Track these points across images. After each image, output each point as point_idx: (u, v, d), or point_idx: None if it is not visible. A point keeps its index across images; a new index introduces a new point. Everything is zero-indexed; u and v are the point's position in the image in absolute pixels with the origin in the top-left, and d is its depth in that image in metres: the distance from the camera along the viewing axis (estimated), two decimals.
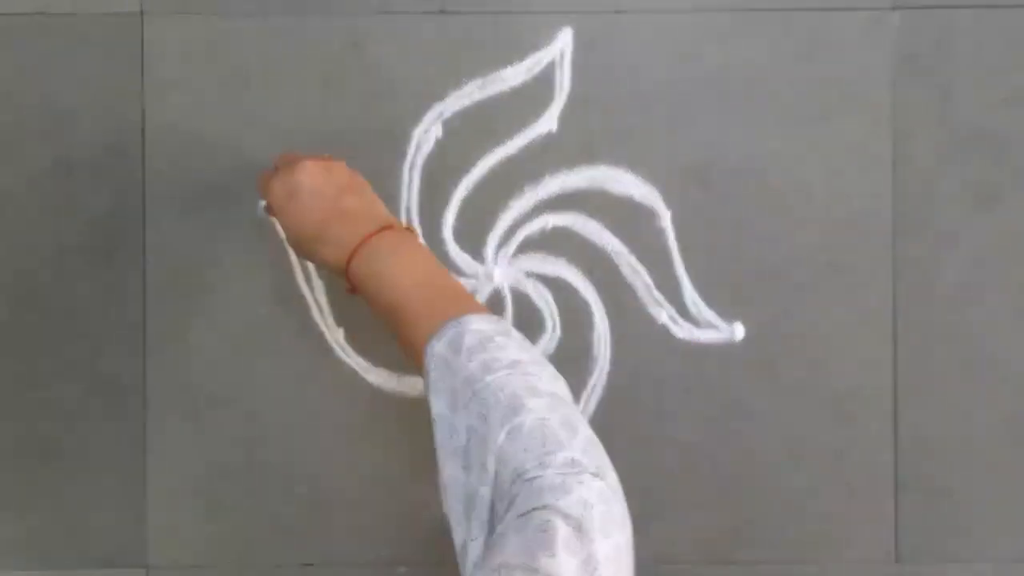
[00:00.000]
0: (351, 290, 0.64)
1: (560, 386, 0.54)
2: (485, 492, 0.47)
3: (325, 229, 0.62)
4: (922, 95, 0.77)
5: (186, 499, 0.77)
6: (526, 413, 0.48)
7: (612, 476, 0.49)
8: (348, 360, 0.77)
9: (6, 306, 0.77)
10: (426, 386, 0.55)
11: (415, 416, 0.77)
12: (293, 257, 0.77)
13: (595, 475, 0.47)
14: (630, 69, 0.77)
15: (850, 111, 0.77)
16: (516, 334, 0.57)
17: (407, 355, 0.60)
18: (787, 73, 0.77)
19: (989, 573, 0.78)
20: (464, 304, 0.58)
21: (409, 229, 0.65)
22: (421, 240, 0.75)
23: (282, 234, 0.76)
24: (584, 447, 0.48)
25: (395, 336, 0.61)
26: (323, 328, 0.77)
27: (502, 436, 0.47)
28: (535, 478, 0.45)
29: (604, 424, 0.77)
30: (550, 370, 0.54)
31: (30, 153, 0.77)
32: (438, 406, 0.53)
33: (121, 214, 0.77)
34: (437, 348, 0.54)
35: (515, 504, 0.45)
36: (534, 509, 0.45)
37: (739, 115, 0.77)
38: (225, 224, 0.77)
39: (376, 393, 0.77)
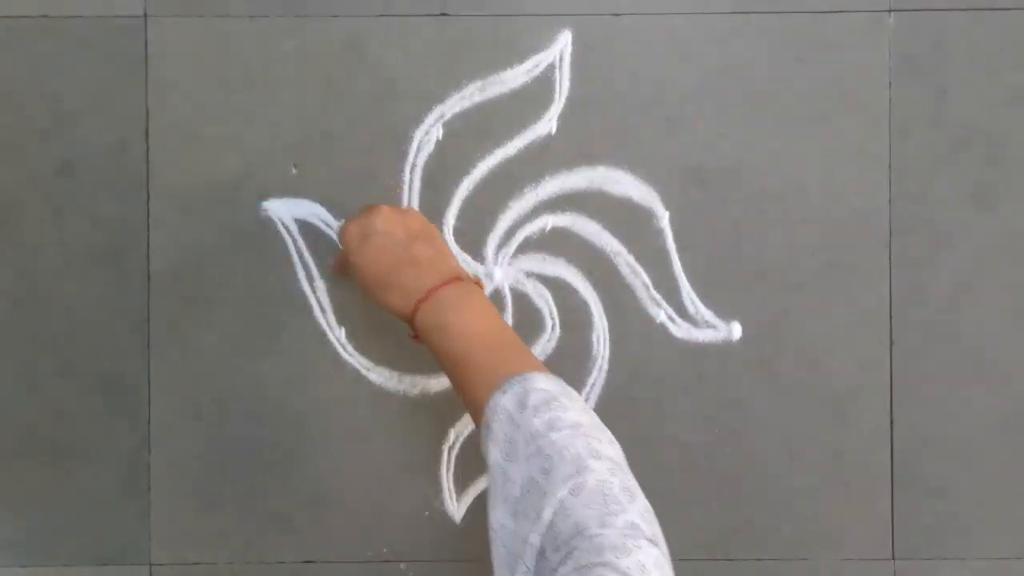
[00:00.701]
0: (414, 338, 0.65)
1: (617, 450, 0.56)
2: (535, 539, 0.49)
3: (394, 275, 0.64)
4: (919, 96, 0.78)
5: (188, 497, 0.78)
6: (589, 473, 0.50)
7: (664, 546, 0.51)
8: (350, 359, 0.78)
9: (10, 306, 0.77)
10: (483, 435, 0.57)
11: (416, 415, 0.78)
12: (295, 256, 0.77)
13: (652, 542, 0.48)
14: (629, 71, 0.78)
15: (847, 112, 0.78)
16: (576, 395, 0.59)
17: (464, 403, 0.62)
18: (784, 75, 0.78)
19: (984, 570, 0.78)
20: (526, 360, 0.61)
21: (476, 282, 0.66)
22: (485, 292, 0.76)
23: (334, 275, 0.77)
24: (642, 513, 0.50)
25: (455, 385, 0.63)
26: (325, 327, 0.78)
27: (564, 491, 0.50)
28: (596, 536, 0.47)
29: (603, 422, 0.78)
30: (608, 434, 0.57)
31: (35, 154, 0.77)
32: (495, 455, 0.55)
33: (125, 215, 0.77)
34: (502, 401, 0.56)
35: (573, 556, 0.47)
36: (594, 564, 0.46)
37: (737, 116, 0.78)
38: (228, 224, 0.77)
39: (377, 392, 0.78)
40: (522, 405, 0.55)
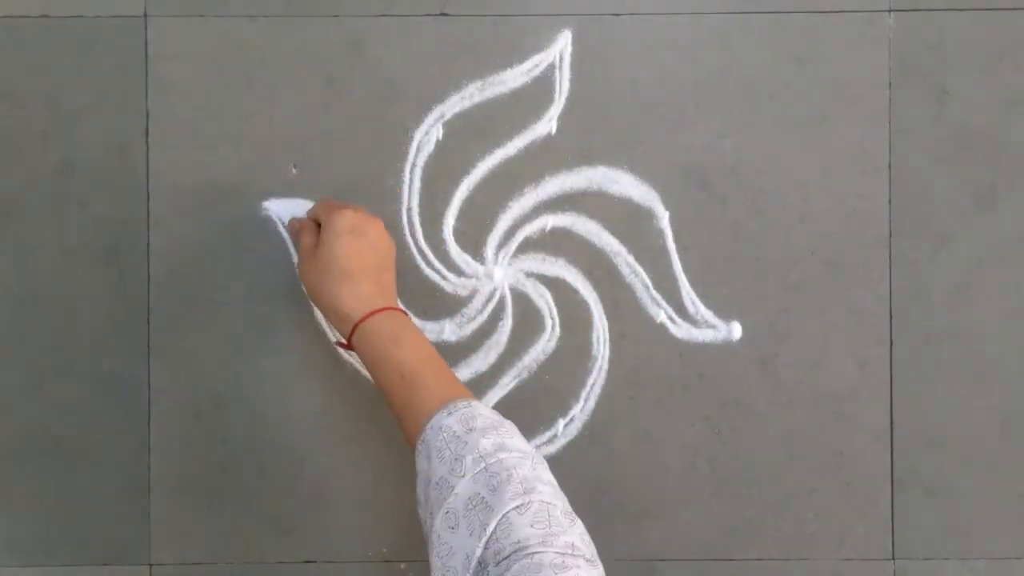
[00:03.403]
0: (345, 345, 0.68)
1: (554, 480, 0.59)
2: (478, 552, 0.52)
3: (361, 278, 0.67)
4: (918, 97, 0.78)
5: (188, 497, 0.78)
6: (536, 495, 0.54)
7: (601, 568, 0.54)
8: (350, 359, 0.78)
9: (10, 305, 0.77)
10: (420, 450, 0.60)
11: None
12: (295, 256, 0.78)
13: (590, 562, 0.52)
14: (629, 71, 0.78)
15: (847, 113, 0.78)
16: (515, 428, 0.62)
17: (398, 414, 0.65)
18: (784, 75, 0.78)
19: (984, 570, 0.78)
20: (467, 392, 0.64)
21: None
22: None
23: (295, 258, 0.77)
24: (581, 535, 0.53)
25: (392, 397, 0.65)
26: (325, 327, 0.78)
27: (510, 507, 0.53)
28: (537, 553, 0.50)
29: (603, 422, 0.78)
30: (545, 463, 0.60)
31: (35, 154, 0.77)
32: (440, 470, 0.57)
33: (125, 214, 0.77)
34: (447, 421, 0.60)
35: (512, 570, 0.50)
36: None
37: (737, 117, 0.78)
38: (228, 224, 0.77)
39: (377, 392, 0.78)
40: (469, 427, 0.59)
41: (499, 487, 0.54)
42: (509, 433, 0.59)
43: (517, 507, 0.52)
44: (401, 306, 0.71)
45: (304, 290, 0.75)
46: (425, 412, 0.61)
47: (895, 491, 0.78)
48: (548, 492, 0.55)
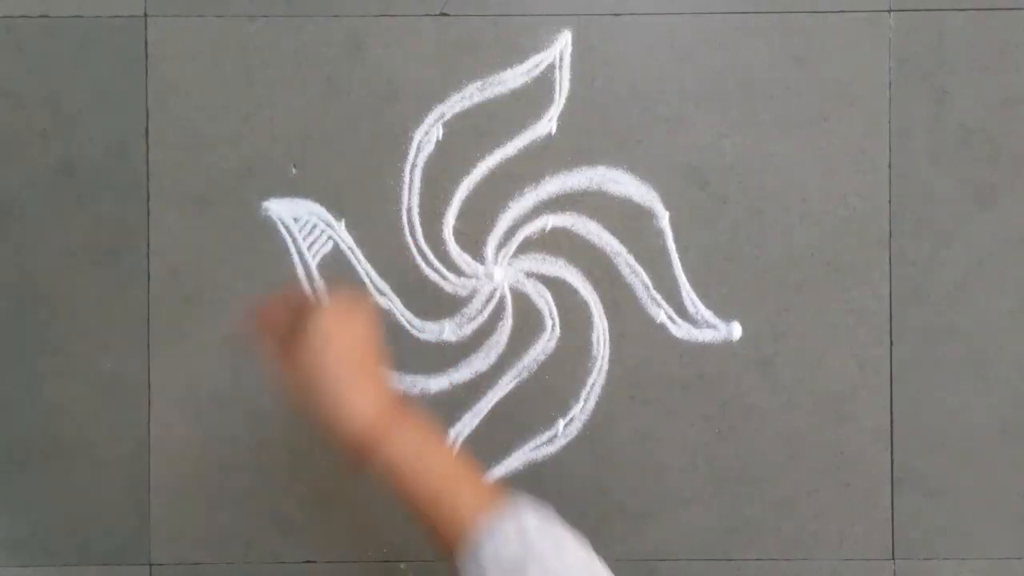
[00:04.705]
0: (358, 467, 0.60)
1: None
2: None
3: (364, 382, 0.60)
4: (918, 97, 0.78)
5: (189, 496, 0.78)
6: None
7: None
8: None
9: (11, 305, 0.77)
10: (472, 551, 0.55)
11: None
12: (295, 256, 0.77)
13: None
14: (629, 71, 0.78)
15: (847, 113, 0.78)
16: (554, 514, 0.58)
17: (438, 521, 0.59)
18: (784, 75, 0.78)
19: (984, 570, 0.78)
20: (495, 485, 0.59)
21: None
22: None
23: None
24: None
25: (429, 504, 0.59)
26: None
27: None
28: None
29: (603, 422, 0.78)
30: (604, 564, 0.56)
31: (35, 154, 0.77)
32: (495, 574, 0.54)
33: (125, 214, 0.77)
34: (500, 524, 0.55)
35: None
36: None
37: (737, 117, 0.78)
38: (228, 224, 0.77)
39: None
40: (523, 528, 0.55)
41: None
42: (562, 533, 0.55)
43: None
44: (395, 386, 0.64)
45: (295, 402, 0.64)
46: (469, 516, 0.56)
47: (895, 491, 0.78)
48: None
